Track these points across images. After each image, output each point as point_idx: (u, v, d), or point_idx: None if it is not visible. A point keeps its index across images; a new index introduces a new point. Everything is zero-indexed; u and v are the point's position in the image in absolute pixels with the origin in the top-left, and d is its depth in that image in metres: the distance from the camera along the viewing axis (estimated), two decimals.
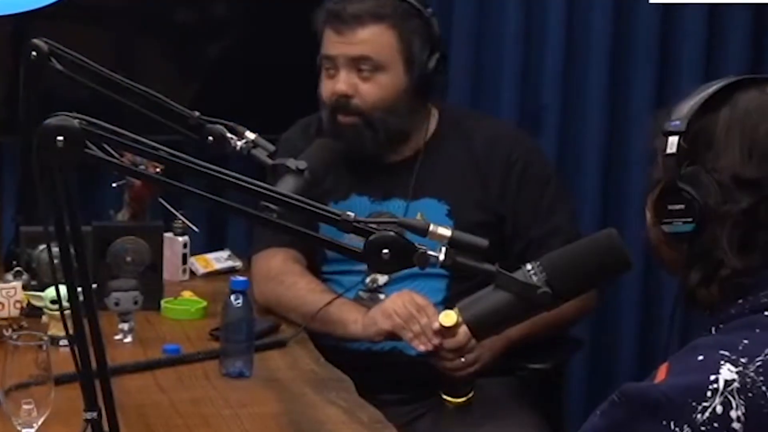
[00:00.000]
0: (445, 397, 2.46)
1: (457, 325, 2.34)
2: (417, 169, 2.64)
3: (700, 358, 1.38)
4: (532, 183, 2.66)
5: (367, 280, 2.64)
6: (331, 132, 2.59)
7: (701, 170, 1.49)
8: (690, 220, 1.49)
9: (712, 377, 1.35)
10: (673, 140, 1.51)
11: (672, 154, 1.51)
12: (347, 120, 2.59)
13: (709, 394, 1.34)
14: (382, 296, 2.62)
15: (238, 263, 3.00)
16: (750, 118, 1.50)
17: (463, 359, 2.43)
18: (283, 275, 2.63)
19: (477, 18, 3.36)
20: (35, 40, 1.89)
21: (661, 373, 1.39)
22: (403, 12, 2.58)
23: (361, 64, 2.57)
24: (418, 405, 2.60)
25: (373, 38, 2.57)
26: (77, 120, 1.44)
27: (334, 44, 2.59)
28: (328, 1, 2.62)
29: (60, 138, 1.43)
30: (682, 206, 1.49)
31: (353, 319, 2.51)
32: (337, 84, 2.58)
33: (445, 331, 2.36)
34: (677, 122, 1.52)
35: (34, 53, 1.88)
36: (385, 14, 2.57)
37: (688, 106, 1.53)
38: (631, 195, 3.43)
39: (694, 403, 1.34)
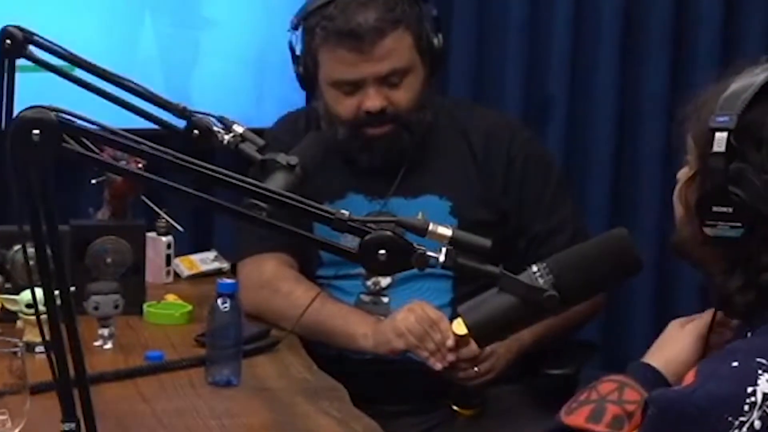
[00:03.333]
0: (455, 408, 2.47)
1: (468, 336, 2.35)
2: (416, 165, 2.64)
3: (735, 364, 1.38)
4: (534, 176, 2.67)
5: (369, 282, 2.64)
6: (358, 147, 2.59)
7: (749, 169, 1.46)
8: (739, 225, 1.46)
9: (750, 389, 1.35)
10: (722, 137, 1.47)
11: (720, 153, 1.47)
12: (381, 130, 2.57)
13: (746, 408, 1.34)
14: (385, 299, 2.62)
15: (225, 265, 3.00)
16: None
17: (477, 368, 2.44)
18: (277, 282, 2.62)
19: (479, 2, 3.36)
20: (9, 27, 1.89)
21: (689, 377, 1.38)
22: (408, 5, 2.55)
23: (391, 76, 2.54)
24: (426, 417, 2.60)
25: (395, 47, 2.53)
26: (54, 112, 1.44)
27: (354, 65, 2.52)
28: (313, 16, 2.55)
29: (36, 131, 1.43)
30: (729, 209, 1.47)
31: (362, 333, 2.50)
32: (368, 101, 2.53)
33: (460, 340, 2.37)
34: (725, 118, 1.48)
35: (8, 41, 1.88)
36: (398, 17, 2.53)
37: (735, 99, 1.48)
38: (643, 191, 3.43)
39: (730, 418, 1.34)
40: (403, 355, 2.47)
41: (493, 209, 2.65)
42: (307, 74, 2.61)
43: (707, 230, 1.49)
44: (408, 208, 2.60)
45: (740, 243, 1.47)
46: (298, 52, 2.61)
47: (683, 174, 1.60)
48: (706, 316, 1.64)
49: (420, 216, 2.53)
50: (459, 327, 2.33)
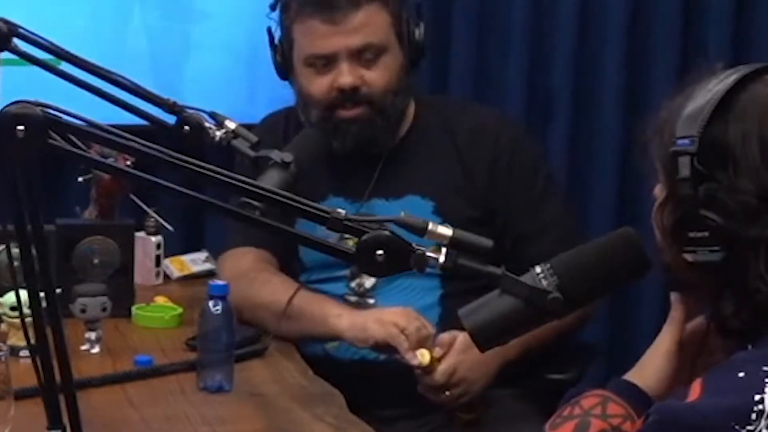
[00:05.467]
0: (456, 412, 2.48)
1: (432, 364, 2.39)
2: (397, 165, 2.65)
3: (741, 374, 1.38)
4: (521, 173, 2.68)
5: (353, 284, 2.65)
6: (331, 131, 2.58)
7: (719, 189, 1.45)
8: (717, 248, 1.46)
9: (757, 397, 1.35)
10: (685, 161, 1.47)
11: (686, 179, 1.47)
12: (353, 113, 2.58)
13: (753, 416, 1.34)
14: (371, 301, 2.63)
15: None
16: (765, 123, 1.46)
17: (447, 393, 2.44)
18: (254, 273, 2.63)
19: None
20: None
21: (695, 391, 1.38)
22: None
23: (365, 52, 2.57)
24: (424, 420, 2.60)
25: (370, 21, 2.56)
26: (40, 107, 1.44)
27: (326, 38, 2.55)
28: None
29: (21, 127, 1.42)
30: (705, 234, 1.46)
31: (336, 313, 2.50)
32: (340, 78, 2.55)
33: (421, 370, 2.40)
34: (686, 141, 1.47)
35: None
36: None
37: (694, 119, 1.48)
38: (650, 192, 3.43)
39: (737, 427, 1.34)
40: (390, 356, 2.47)
41: (478, 207, 2.65)
42: (284, 60, 2.63)
43: (687, 256, 1.49)
44: (389, 210, 2.60)
45: (723, 265, 1.47)
46: (276, 41, 2.65)
47: (658, 194, 1.60)
48: (672, 329, 1.65)
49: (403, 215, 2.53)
50: (422, 356, 2.38)
